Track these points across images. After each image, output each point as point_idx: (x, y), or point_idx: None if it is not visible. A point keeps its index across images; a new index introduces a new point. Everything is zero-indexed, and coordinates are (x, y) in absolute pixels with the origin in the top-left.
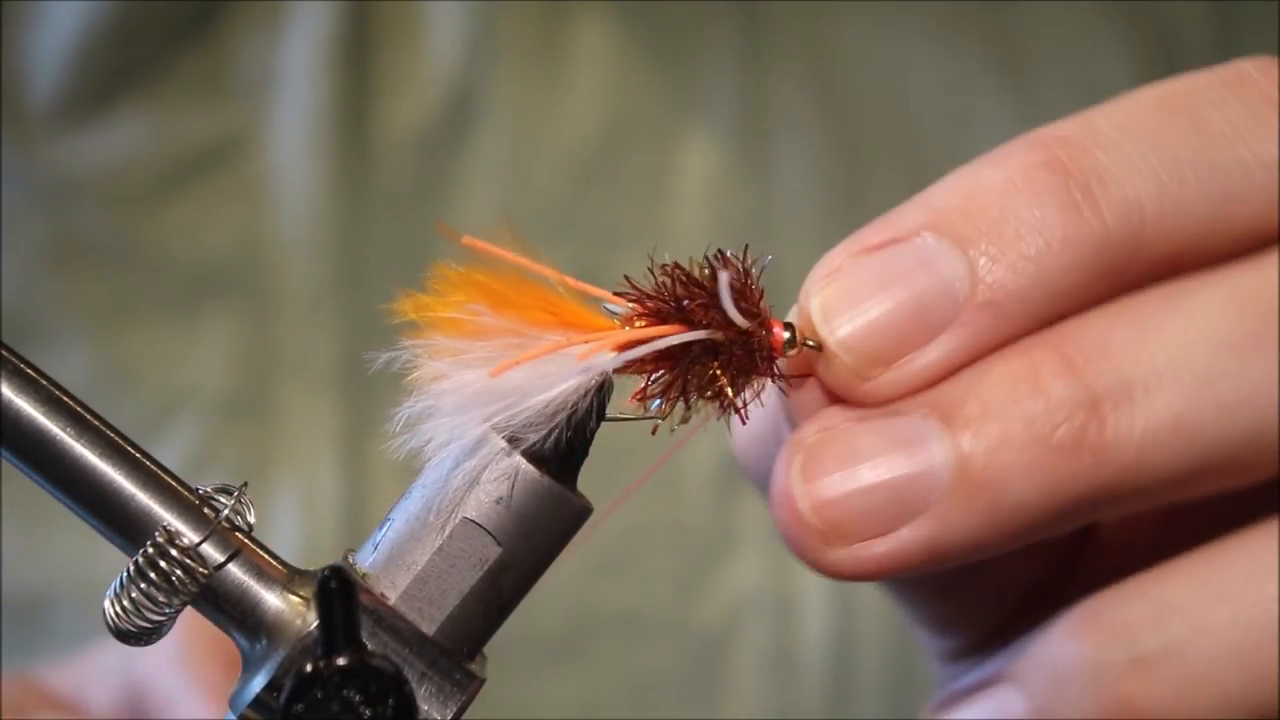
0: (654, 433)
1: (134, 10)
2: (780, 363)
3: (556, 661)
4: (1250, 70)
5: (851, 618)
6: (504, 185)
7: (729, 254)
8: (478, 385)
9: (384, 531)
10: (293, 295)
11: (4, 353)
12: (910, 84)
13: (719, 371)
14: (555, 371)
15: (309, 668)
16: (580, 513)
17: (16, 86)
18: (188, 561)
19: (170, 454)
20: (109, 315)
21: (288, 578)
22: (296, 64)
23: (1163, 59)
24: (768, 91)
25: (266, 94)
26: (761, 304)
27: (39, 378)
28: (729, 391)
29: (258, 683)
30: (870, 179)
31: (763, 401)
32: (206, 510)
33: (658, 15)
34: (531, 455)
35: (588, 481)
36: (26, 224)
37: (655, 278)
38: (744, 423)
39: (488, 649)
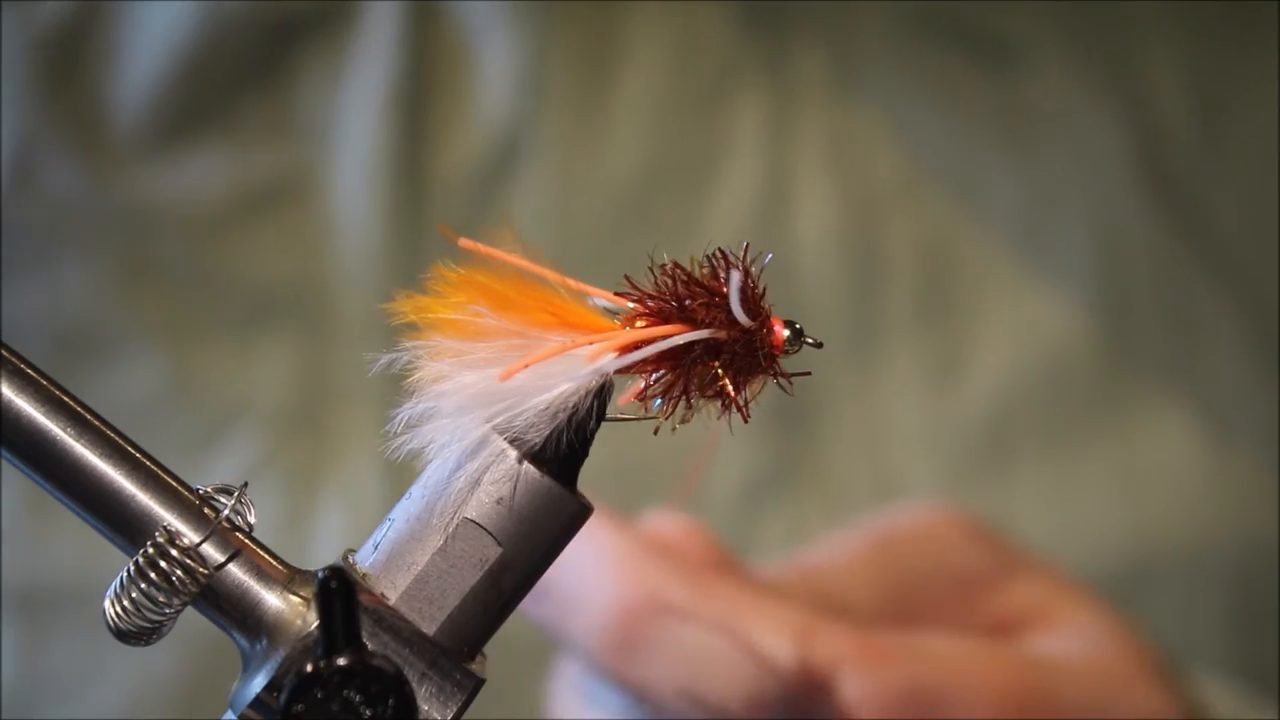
0: (656, 433)
1: (209, 55)
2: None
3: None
4: None
5: None
6: (550, 224)
7: (729, 253)
8: (479, 386)
9: (384, 531)
10: (348, 321)
11: (4, 353)
12: (923, 149)
13: (721, 370)
14: (556, 372)
15: (309, 668)
16: (580, 513)
17: (102, 119)
18: (188, 562)
19: (226, 463)
20: (176, 333)
21: (288, 578)
22: (357, 108)
23: (1147, 125)
24: (793, 148)
25: (329, 136)
26: (763, 302)
27: (39, 378)
28: (731, 390)
29: (258, 683)
30: (883, 240)
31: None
32: (207, 510)
33: (695, 70)
34: (533, 456)
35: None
36: (104, 245)
37: (655, 277)
38: (745, 421)
39: (487, 649)
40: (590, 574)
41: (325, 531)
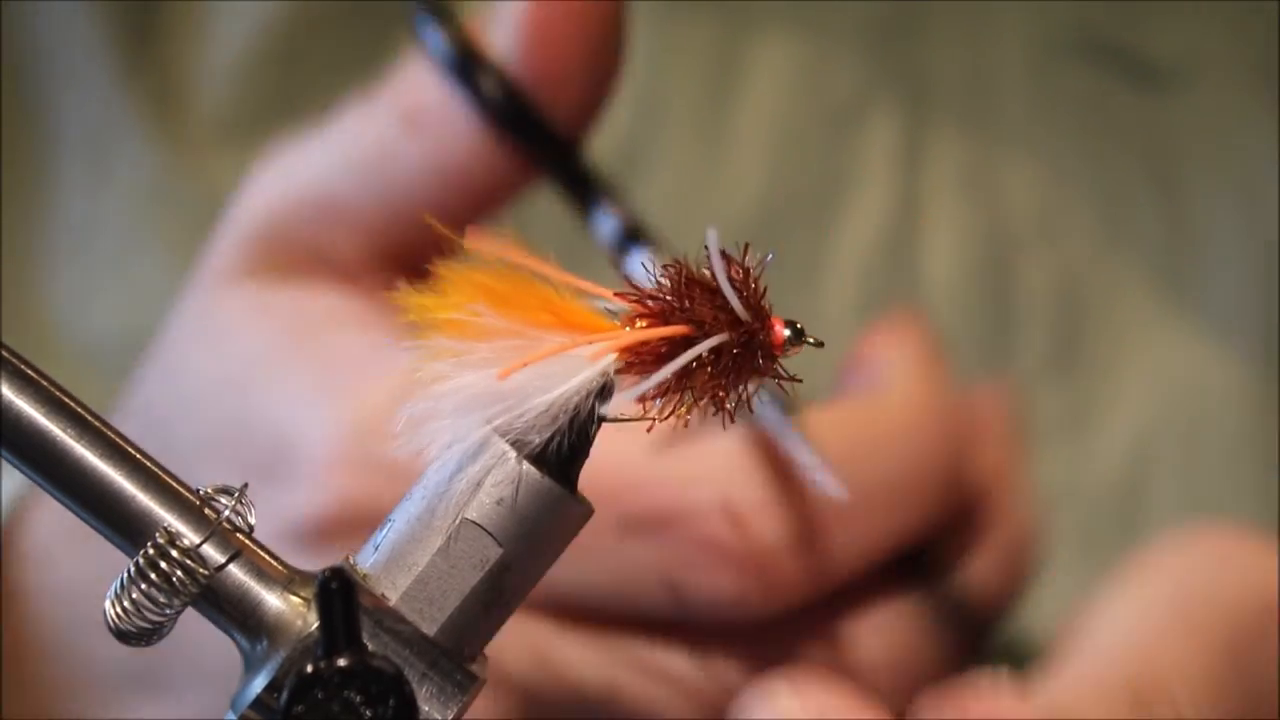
0: (650, 431)
1: (304, 30)
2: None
3: None
4: None
5: None
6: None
7: (728, 252)
8: (479, 387)
9: (385, 533)
10: None
11: (4, 353)
12: (1061, 183)
13: (720, 370)
14: (557, 372)
15: (310, 668)
16: (581, 514)
17: (182, 98)
18: (188, 562)
19: None
20: None
21: (288, 579)
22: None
23: None
24: (923, 176)
25: None
26: (763, 301)
27: (39, 378)
28: (726, 390)
29: (258, 684)
30: (1016, 277)
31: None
32: (207, 511)
33: (823, 92)
34: (533, 458)
35: None
36: (184, 243)
37: (656, 277)
38: (732, 421)
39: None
40: None
41: None
